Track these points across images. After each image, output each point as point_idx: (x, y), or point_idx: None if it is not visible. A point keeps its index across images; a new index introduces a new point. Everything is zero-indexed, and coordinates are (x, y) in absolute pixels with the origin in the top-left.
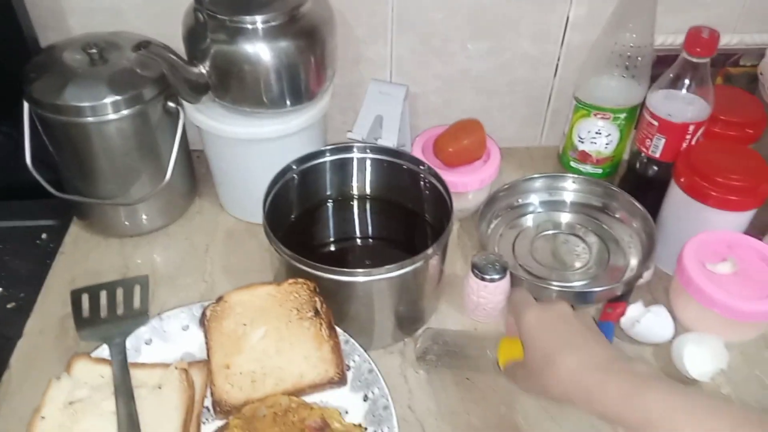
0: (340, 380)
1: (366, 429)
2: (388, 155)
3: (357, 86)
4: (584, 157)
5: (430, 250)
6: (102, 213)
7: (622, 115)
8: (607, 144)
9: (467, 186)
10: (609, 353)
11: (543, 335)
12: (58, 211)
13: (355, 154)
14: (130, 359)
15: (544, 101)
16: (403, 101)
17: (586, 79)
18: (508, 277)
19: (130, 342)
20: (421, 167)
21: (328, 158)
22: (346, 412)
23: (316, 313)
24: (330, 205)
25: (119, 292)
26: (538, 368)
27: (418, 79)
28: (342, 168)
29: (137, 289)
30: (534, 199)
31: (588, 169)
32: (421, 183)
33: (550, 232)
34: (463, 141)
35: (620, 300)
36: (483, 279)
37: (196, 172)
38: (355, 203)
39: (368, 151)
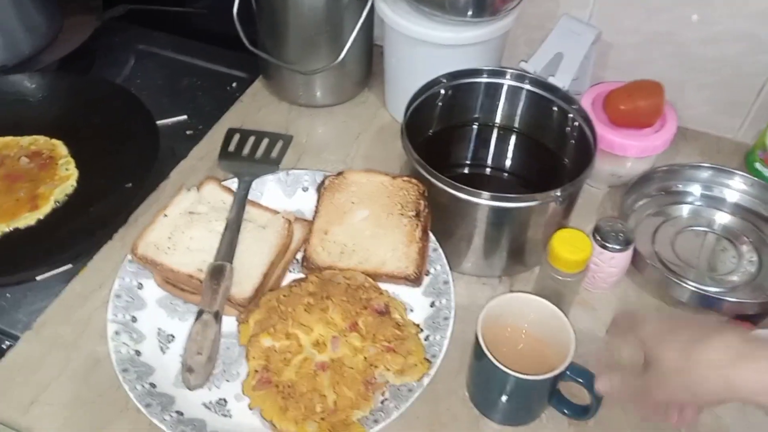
0: (416, 280)
1: (422, 330)
2: (541, 88)
3: (550, 20)
4: None
5: (554, 192)
6: (282, 77)
7: None
8: None
9: (626, 150)
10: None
11: (672, 336)
12: (249, 67)
13: (508, 81)
14: (251, 198)
15: (753, 91)
16: (590, 45)
17: None
18: (629, 252)
19: (256, 184)
20: (573, 106)
21: (482, 79)
22: (411, 310)
23: (417, 214)
24: (472, 128)
25: (264, 142)
26: (676, 366)
27: (617, 28)
28: (494, 93)
29: (279, 144)
30: (695, 190)
31: None
32: (569, 125)
33: (702, 228)
34: (638, 101)
35: (749, 320)
36: (603, 246)
37: (373, 67)
38: (496, 132)
39: (525, 81)
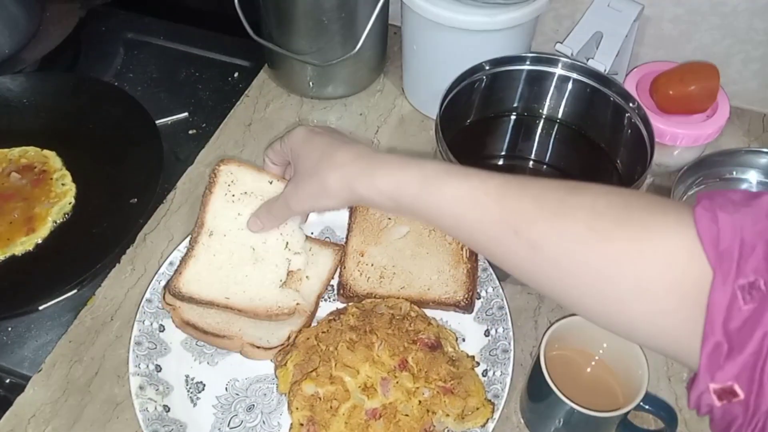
0: (467, 306)
1: (478, 364)
2: (595, 81)
3: None
4: None
5: None
6: (291, 67)
7: None
8: None
9: (677, 139)
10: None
11: (316, 139)
12: (253, 55)
13: (558, 70)
14: None
15: None
16: (633, 22)
17: None
18: None
19: None
20: (631, 105)
21: (526, 66)
22: (463, 340)
23: None
24: (512, 118)
25: None
26: (313, 167)
27: (656, 0)
28: (538, 82)
29: None
30: (752, 177)
31: None
32: (624, 122)
33: None
34: (690, 86)
35: None
36: None
37: (388, 49)
38: (541, 123)
39: (575, 70)
